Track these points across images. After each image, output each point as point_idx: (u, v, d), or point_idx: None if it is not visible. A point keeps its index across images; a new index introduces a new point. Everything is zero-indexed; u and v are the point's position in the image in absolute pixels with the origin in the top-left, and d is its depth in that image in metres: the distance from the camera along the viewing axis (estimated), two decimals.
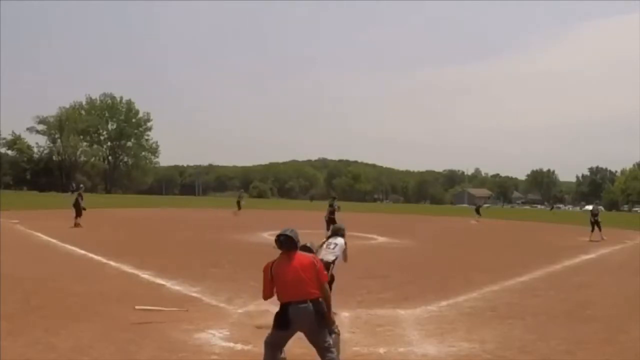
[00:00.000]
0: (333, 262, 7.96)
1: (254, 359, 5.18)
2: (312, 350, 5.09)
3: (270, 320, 5.83)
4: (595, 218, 23.35)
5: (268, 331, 5.14)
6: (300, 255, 5.08)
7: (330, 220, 20.06)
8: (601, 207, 33.94)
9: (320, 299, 4.99)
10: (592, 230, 23.22)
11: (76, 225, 22.16)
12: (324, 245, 8.19)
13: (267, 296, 5.11)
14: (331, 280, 7.87)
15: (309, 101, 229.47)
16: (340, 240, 8.19)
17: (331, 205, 20.63)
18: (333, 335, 5.51)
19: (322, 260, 7.87)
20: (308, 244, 5.97)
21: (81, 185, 26.26)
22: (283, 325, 4.91)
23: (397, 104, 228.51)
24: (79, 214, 22.73)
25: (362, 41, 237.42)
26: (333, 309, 5.21)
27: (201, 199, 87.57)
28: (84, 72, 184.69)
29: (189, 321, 7.40)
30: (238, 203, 38.56)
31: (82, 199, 23.22)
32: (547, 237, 25.73)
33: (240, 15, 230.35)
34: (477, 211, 41.37)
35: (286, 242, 5.07)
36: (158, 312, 7.70)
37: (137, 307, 7.73)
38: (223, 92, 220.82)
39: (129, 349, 6.15)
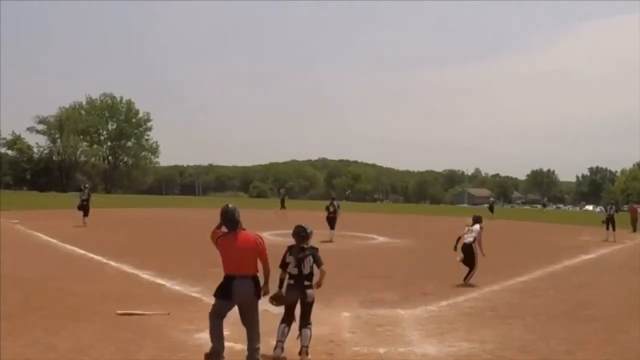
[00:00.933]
0: (472, 242, 10.82)
1: None
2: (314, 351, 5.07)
3: (269, 320, 5.85)
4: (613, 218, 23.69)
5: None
6: (245, 234, 5.61)
7: (329, 219, 20.15)
8: (602, 208, 33.96)
9: (257, 276, 5.53)
10: (614, 230, 23.32)
11: (85, 224, 22.57)
12: (465, 230, 11.11)
13: (213, 238, 5.82)
14: (474, 259, 10.85)
15: (309, 101, 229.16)
16: (476, 227, 11.01)
17: (333, 205, 20.67)
18: (308, 327, 5.87)
19: (464, 242, 10.97)
20: (303, 225, 6.16)
21: (87, 185, 26.75)
22: (227, 295, 5.50)
23: (397, 104, 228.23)
24: (86, 213, 23.19)
25: (362, 41, 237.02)
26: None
27: (201, 199, 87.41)
28: (84, 72, 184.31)
29: (189, 321, 7.40)
30: (282, 201, 38.05)
31: (88, 199, 23.70)
32: (547, 237, 25.71)
33: (240, 15, 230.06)
34: (491, 209, 40.04)
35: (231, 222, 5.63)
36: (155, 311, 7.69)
37: (118, 312, 7.57)
38: (223, 92, 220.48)
39: (129, 349, 6.15)
